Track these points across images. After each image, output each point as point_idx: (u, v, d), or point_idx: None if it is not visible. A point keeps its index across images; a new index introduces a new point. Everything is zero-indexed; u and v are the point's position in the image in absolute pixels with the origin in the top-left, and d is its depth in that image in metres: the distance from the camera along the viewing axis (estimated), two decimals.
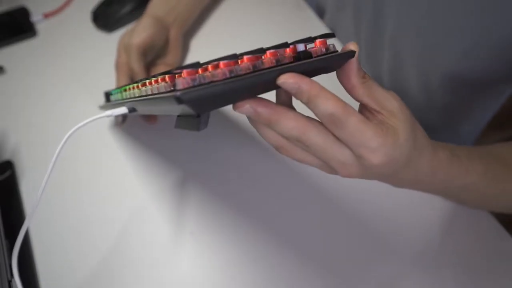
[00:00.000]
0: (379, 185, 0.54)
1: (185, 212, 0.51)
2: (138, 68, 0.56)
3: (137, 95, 0.39)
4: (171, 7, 0.64)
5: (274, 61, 0.30)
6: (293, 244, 0.48)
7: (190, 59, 0.67)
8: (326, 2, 0.73)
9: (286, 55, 0.31)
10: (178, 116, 0.31)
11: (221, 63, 0.27)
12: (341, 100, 0.29)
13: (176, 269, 0.47)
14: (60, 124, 0.60)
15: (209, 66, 0.28)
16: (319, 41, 0.32)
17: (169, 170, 0.54)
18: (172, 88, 0.30)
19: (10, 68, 0.66)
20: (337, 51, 0.32)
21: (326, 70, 0.32)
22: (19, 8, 0.73)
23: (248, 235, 0.49)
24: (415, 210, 0.50)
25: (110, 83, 0.59)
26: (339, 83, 0.33)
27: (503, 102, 0.65)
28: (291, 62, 0.30)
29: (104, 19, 0.70)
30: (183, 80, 0.26)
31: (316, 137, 0.30)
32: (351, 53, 0.31)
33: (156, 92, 0.32)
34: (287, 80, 0.28)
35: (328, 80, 0.33)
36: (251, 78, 0.27)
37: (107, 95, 0.56)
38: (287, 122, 0.29)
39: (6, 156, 0.56)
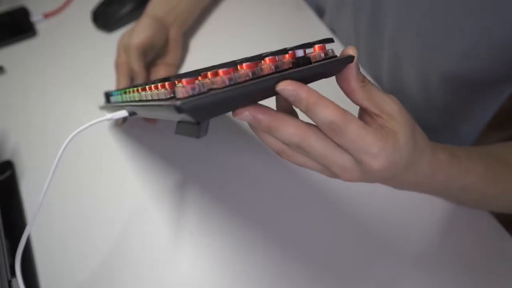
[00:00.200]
0: (379, 185, 0.54)
1: (185, 213, 0.51)
2: (138, 68, 0.56)
3: (137, 99, 0.39)
4: (171, 7, 0.64)
5: (273, 67, 0.30)
6: (293, 245, 0.48)
7: (190, 59, 0.67)
8: (325, 2, 0.73)
9: (285, 61, 0.31)
10: (178, 122, 0.31)
11: (221, 70, 0.27)
12: (340, 108, 0.29)
13: (176, 270, 0.47)
14: (60, 124, 0.60)
15: (209, 73, 0.28)
16: (318, 46, 0.32)
17: (169, 171, 0.54)
18: (171, 95, 0.30)
19: (10, 68, 0.66)
20: (336, 56, 0.32)
21: (326, 75, 0.32)
22: (19, 8, 0.73)
23: (248, 235, 0.49)
24: (415, 211, 0.50)
25: (110, 83, 0.59)
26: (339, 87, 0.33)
27: (503, 102, 0.65)
28: (290, 68, 0.30)
29: (104, 19, 0.70)
30: (182, 89, 0.26)
31: (316, 143, 0.30)
32: (350, 58, 0.31)
33: (156, 98, 0.32)
34: (285, 87, 0.28)
35: (328, 84, 0.33)
36: (250, 86, 0.27)
37: (107, 95, 0.56)
38: (287, 129, 0.29)
39: (6, 156, 0.56)
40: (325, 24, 0.72)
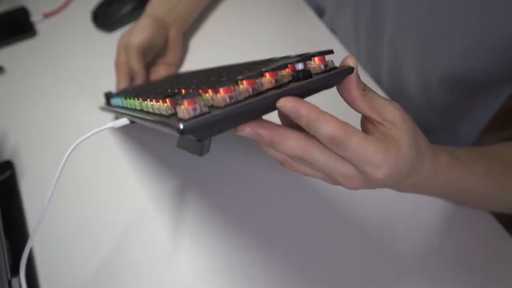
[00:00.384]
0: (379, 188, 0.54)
1: (185, 216, 0.51)
2: (138, 67, 0.56)
3: (137, 107, 0.39)
4: (171, 7, 0.64)
5: (273, 81, 0.29)
6: (294, 247, 0.48)
7: (190, 58, 0.67)
8: (325, 2, 0.73)
9: (285, 74, 0.30)
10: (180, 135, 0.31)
11: (221, 89, 0.27)
12: (341, 122, 0.30)
13: (175, 270, 0.47)
14: (60, 124, 0.60)
15: (210, 91, 0.28)
16: (318, 58, 0.31)
17: (169, 174, 0.54)
18: (172, 111, 0.30)
19: (10, 68, 0.66)
20: (336, 67, 0.32)
21: (326, 87, 0.32)
22: (19, 8, 0.73)
23: (248, 238, 0.49)
24: (415, 211, 0.50)
25: (110, 83, 0.59)
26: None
27: (503, 102, 0.65)
28: (290, 81, 0.30)
29: (104, 19, 0.70)
30: (184, 110, 0.26)
31: (319, 156, 0.30)
32: (350, 70, 0.31)
33: (157, 112, 0.32)
34: (285, 104, 0.28)
35: (329, 91, 0.33)
36: (251, 104, 0.27)
37: (108, 96, 0.56)
38: (289, 143, 0.30)
39: (6, 156, 0.56)
40: (324, 24, 0.72)
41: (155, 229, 0.50)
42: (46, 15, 0.73)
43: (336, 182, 0.33)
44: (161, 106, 0.31)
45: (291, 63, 0.30)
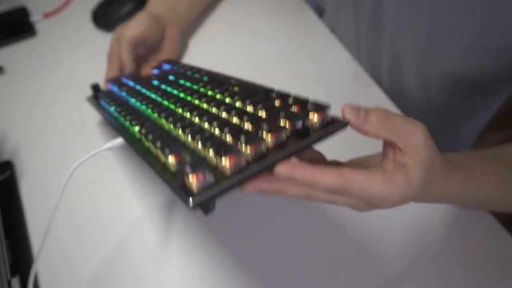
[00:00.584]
0: None
1: (176, 224, 0.50)
2: (126, 58, 0.58)
3: (136, 135, 0.40)
4: (171, 6, 0.65)
5: (274, 141, 0.31)
6: (292, 247, 0.48)
7: (189, 59, 0.67)
8: (325, 2, 0.73)
9: (286, 130, 0.32)
10: None
11: (227, 158, 0.29)
12: (339, 173, 0.30)
13: (166, 271, 0.47)
14: (60, 124, 0.60)
15: (217, 160, 0.30)
16: (317, 115, 0.33)
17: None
18: (177, 168, 0.31)
19: (10, 68, 0.66)
20: (333, 119, 0.34)
21: (325, 139, 0.33)
22: (19, 8, 0.73)
23: (241, 241, 0.49)
24: (415, 211, 0.50)
25: None
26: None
27: (503, 102, 0.65)
28: (289, 137, 0.32)
29: (104, 19, 0.70)
30: (192, 184, 0.28)
31: (323, 195, 0.32)
32: (346, 124, 0.33)
33: (161, 160, 0.33)
34: (280, 172, 0.30)
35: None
36: (254, 171, 0.29)
37: (95, 89, 0.56)
38: (291, 190, 0.31)
39: (6, 156, 0.56)
40: (324, 24, 0.72)
41: (149, 234, 0.50)
42: (46, 15, 0.73)
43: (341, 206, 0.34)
44: (167, 160, 0.32)
45: (290, 120, 0.32)
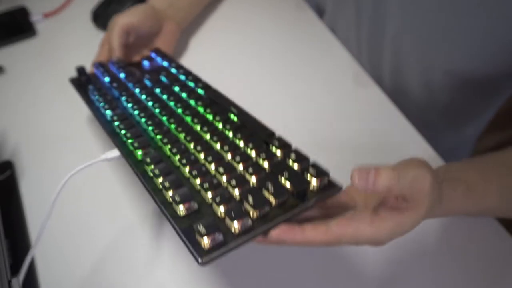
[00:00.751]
0: None
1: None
2: (115, 44, 0.58)
3: (137, 156, 0.42)
4: (172, 2, 0.65)
5: (276, 202, 0.34)
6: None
7: (189, 58, 0.67)
8: (325, 1, 0.73)
9: (288, 192, 0.35)
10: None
11: (236, 222, 0.32)
12: (327, 231, 0.33)
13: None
14: (60, 124, 0.60)
15: (227, 220, 0.32)
16: (316, 180, 0.35)
17: None
18: (187, 213, 0.34)
19: (10, 68, 0.66)
20: (329, 183, 0.36)
21: (321, 202, 0.36)
22: (19, 8, 0.73)
23: None
24: None
25: None
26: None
27: (504, 102, 0.65)
28: (289, 198, 0.35)
29: (104, 19, 0.70)
30: (204, 243, 0.31)
31: (320, 243, 0.33)
32: (341, 188, 0.35)
33: (168, 200, 0.36)
34: (272, 237, 0.32)
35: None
36: (259, 232, 0.32)
37: (80, 72, 0.56)
38: (290, 243, 0.33)
39: (6, 156, 0.56)
40: (324, 24, 0.72)
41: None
42: (46, 15, 0.73)
43: None
44: (178, 209, 0.35)
45: (293, 183, 0.35)
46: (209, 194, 0.35)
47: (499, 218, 0.50)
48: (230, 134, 0.42)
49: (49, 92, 0.63)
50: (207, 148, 0.40)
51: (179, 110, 0.47)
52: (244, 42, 0.70)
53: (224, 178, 0.37)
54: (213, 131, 0.43)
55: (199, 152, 0.40)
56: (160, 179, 0.38)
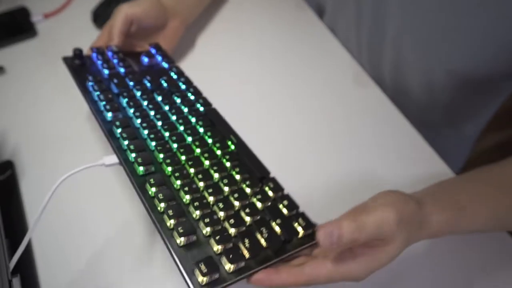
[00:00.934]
0: (376, 185, 0.54)
1: None
2: (116, 31, 0.58)
3: (138, 172, 0.43)
4: (178, 0, 0.65)
5: (266, 243, 0.38)
6: None
7: (188, 58, 0.67)
8: (326, 1, 0.73)
9: (279, 238, 0.39)
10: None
11: (230, 264, 0.36)
12: (301, 275, 0.35)
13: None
14: (60, 124, 0.60)
15: (225, 259, 0.36)
16: (302, 230, 0.40)
17: None
18: (185, 243, 0.37)
19: (10, 68, 0.66)
20: (314, 231, 0.40)
21: (304, 249, 0.40)
22: (20, 8, 0.73)
23: None
24: None
25: None
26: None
27: (503, 101, 0.66)
28: (282, 234, 0.39)
29: (104, 19, 0.70)
30: (202, 278, 0.34)
31: (296, 284, 0.36)
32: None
33: (167, 225, 0.39)
34: (253, 281, 0.36)
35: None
36: (250, 272, 0.36)
37: (77, 54, 0.56)
38: (268, 285, 0.36)
39: (6, 156, 0.56)
40: (324, 24, 0.72)
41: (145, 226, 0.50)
42: (47, 15, 0.73)
43: None
44: (177, 239, 0.37)
45: (283, 229, 0.39)
46: (208, 229, 0.38)
47: None
48: (228, 164, 0.45)
49: (50, 92, 0.63)
50: (207, 177, 0.43)
51: (181, 128, 0.48)
52: (244, 42, 0.70)
53: (222, 214, 0.40)
54: (212, 158, 0.45)
55: (199, 180, 0.43)
56: (163, 204, 0.39)
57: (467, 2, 0.50)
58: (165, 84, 0.54)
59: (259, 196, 0.42)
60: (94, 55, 0.57)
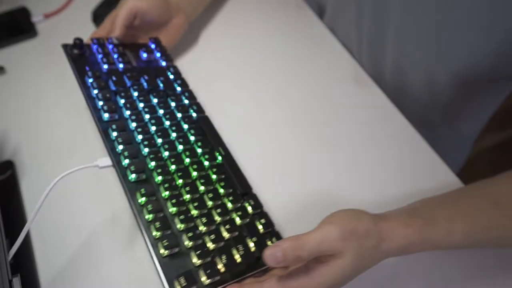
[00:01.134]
0: (376, 185, 0.54)
1: None
2: (119, 22, 0.59)
3: (132, 177, 0.45)
4: None
5: (243, 261, 0.42)
6: None
7: (188, 57, 0.67)
8: (326, 1, 0.73)
9: (253, 254, 0.43)
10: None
11: (208, 279, 0.39)
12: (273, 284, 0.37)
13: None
14: (61, 124, 0.60)
15: (200, 270, 0.40)
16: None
17: None
18: (168, 254, 0.41)
19: (11, 68, 0.66)
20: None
21: None
22: (20, 9, 0.73)
23: None
24: None
25: None
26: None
27: (503, 101, 0.66)
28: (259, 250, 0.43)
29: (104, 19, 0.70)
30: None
31: None
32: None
33: (153, 235, 0.42)
34: None
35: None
36: (225, 285, 0.40)
37: (77, 44, 0.56)
38: None
39: (6, 156, 0.56)
40: (324, 24, 0.72)
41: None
42: (47, 16, 0.73)
43: None
44: (160, 249, 0.41)
45: (258, 247, 0.43)
46: (190, 243, 0.41)
47: None
48: (214, 177, 0.47)
49: (50, 92, 0.63)
50: (193, 190, 0.46)
51: (173, 135, 0.50)
52: (244, 42, 0.70)
53: (204, 228, 0.43)
54: (200, 170, 0.48)
55: (186, 192, 0.45)
56: (151, 216, 0.42)
57: (467, 2, 0.50)
58: (161, 85, 0.55)
59: (239, 213, 0.45)
60: (95, 46, 0.57)
